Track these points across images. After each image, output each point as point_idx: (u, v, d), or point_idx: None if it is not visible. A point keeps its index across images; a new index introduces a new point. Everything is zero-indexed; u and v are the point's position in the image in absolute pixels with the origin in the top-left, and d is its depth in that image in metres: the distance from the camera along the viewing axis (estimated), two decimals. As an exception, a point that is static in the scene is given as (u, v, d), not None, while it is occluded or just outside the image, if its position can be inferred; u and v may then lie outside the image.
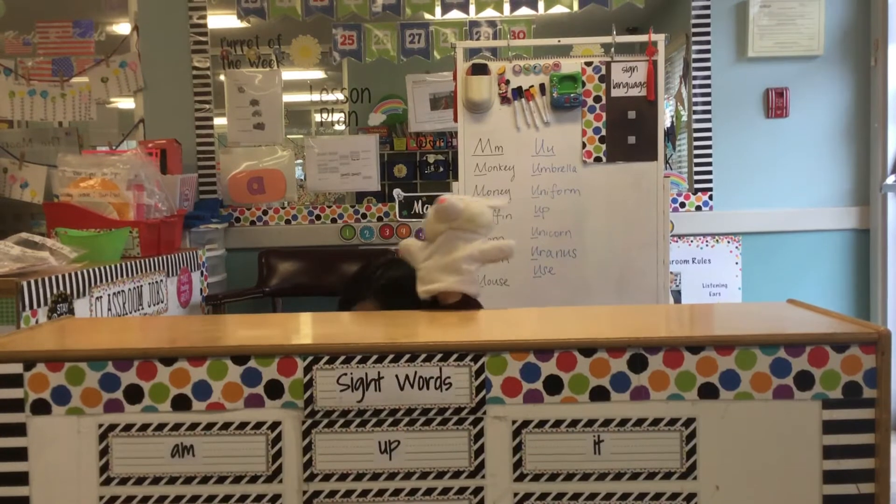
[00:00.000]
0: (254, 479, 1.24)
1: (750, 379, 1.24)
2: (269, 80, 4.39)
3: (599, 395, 1.24)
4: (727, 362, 1.24)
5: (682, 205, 4.24)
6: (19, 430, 1.24)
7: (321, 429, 1.24)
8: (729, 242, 4.22)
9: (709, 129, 4.23)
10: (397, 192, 4.23)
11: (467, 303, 1.64)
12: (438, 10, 4.26)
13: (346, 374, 1.23)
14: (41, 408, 1.24)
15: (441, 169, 5.12)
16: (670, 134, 4.60)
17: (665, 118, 4.11)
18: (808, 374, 1.24)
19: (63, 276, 2.47)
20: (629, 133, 3.49)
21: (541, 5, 4.23)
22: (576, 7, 4.22)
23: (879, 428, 1.23)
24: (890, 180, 4.06)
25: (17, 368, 1.24)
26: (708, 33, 4.21)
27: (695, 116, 4.24)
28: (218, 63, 4.39)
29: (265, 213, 4.39)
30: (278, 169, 4.41)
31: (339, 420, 1.24)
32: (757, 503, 1.25)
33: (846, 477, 1.24)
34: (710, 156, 4.24)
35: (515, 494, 1.25)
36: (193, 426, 1.24)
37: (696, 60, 4.22)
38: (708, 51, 4.21)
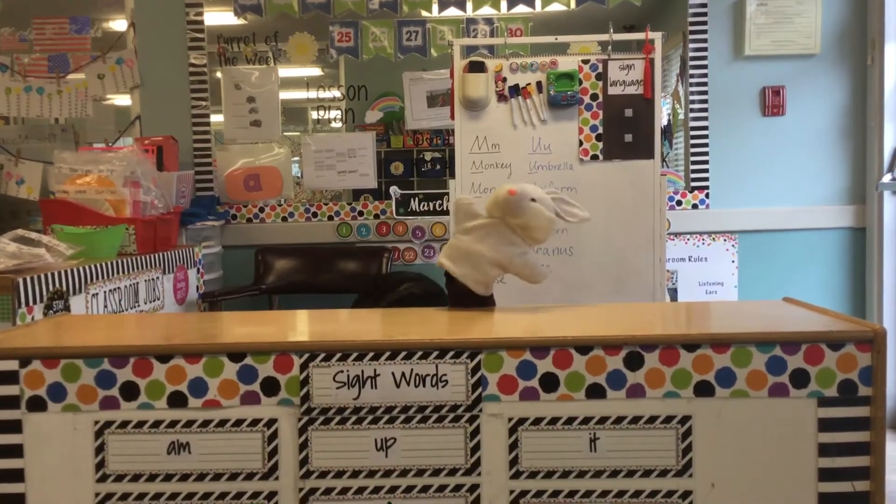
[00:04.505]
0: (250, 476, 1.24)
1: (746, 377, 1.24)
2: (266, 77, 4.38)
3: (595, 392, 1.24)
4: (723, 360, 1.24)
5: (679, 203, 4.25)
6: (15, 426, 1.24)
7: (317, 426, 1.24)
8: (725, 240, 4.22)
9: (705, 128, 4.23)
10: (394, 190, 4.22)
11: (478, 299, 1.62)
12: (435, 7, 4.26)
13: (342, 372, 1.24)
14: (37, 405, 1.24)
15: (438, 166, 5.11)
16: (667, 132, 4.61)
17: (662, 116, 4.11)
18: (804, 372, 1.24)
19: (59, 273, 2.47)
20: (626, 131, 3.49)
21: (538, 3, 4.23)
22: (573, 5, 4.22)
23: (875, 426, 1.24)
24: (886, 179, 4.07)
25: (12, 365, 1.23)
26: (705, 31, 4.21)
27: (691, 115, 4.24)
28: (214, 60, 4.38)
29: (262, 210, 4.39)
30: (275, 166, 4.40)
31: (336, 417, 1.24)
32: (752, 501, 1.25)
33: (841, 475, 1.25)
34: (706, 154, 4.24)
35: (511, 492, 1.25)
36: (189, 423, 1.24)
37: (692, 59, 4.22)
38: (705, 49, 4.21)
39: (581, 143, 3.51)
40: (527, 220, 1.58)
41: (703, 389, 1.24)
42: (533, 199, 1.58)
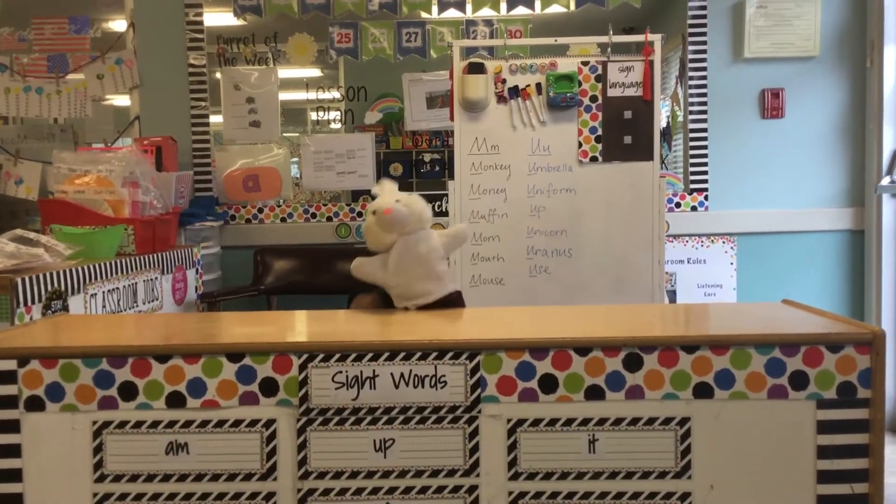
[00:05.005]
0: (248, 477, 1.24)
1: (745, 378, 1.24)
2: (266, 78, 4.38)
3: (594, 394, 1.24)
4: (722, 362, 1.24)
5: (678, 205, 4.25)
6: (13, 426, 1.24)
7: (316, 427, 1.24)
8: (724, 243, 4.22)
9: (704, 130, 4.24)
10: (393, 191, 4.21)
11: (452, 299, 1.64)
12: (435, 8, 4.26)
13: (341, 372, 1.23)
14: (35, 404, 1.23)
15: (437, 168, 5.11)
16: (666, 134, 4.61)
17: (661, 118, 4.11)
18: (803, 374, 1.24)
19: (58, 273, 2.47)
20: (625, 133, 3.49)
21: (537, 4, 4.23)
22: (572, 7, 4.22)
23: (874, 428, 1.24)
24: (884, 182, 4.07)
25: (11, 365, 1.23)
26: (704, 34, 4.21)
27: (691, 117, 4.24)
28: (214, 60, 4.38)
29: (261, 210, 4.39)
30: (274, 167, 4.40)
31: (334, 418, 1.24)
32: (751, 503, 1.25)
33: (840, 477, 1.24)
34: (705, 156, 4.24)
35: (510, 493, 1.25)
36: (188, 424, 1.23)
37: (692, 61, 4.22)
38: (704, 51, 4.21)
39: (580, 145, 3.51)
40: (413, 216, 1.64)
41: (703, 391, 1.24)
42: (398, 200, 1.65)
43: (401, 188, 4.21)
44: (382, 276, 1.65)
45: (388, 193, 1.70)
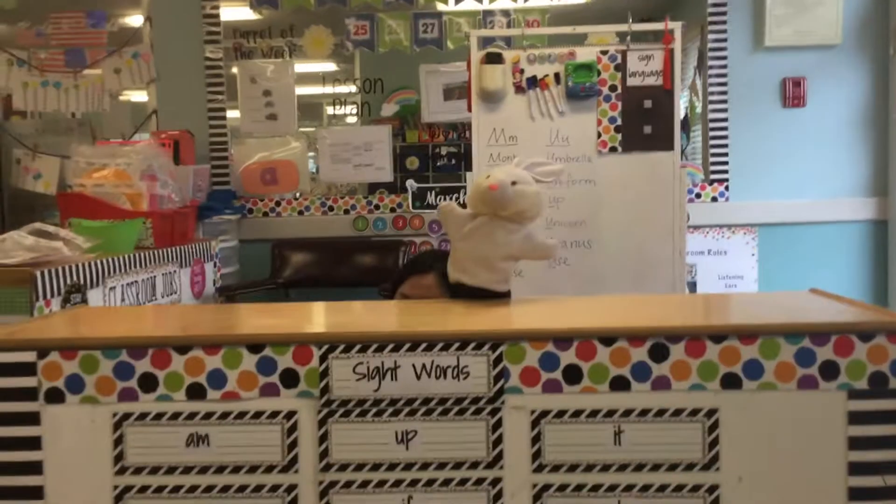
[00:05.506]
0: (269, 469, 1.23)
1: (774, 369, 1.21)
2: (282, 71, 4.38)
3: (620, 384, 1.22)
4: (750, 352, 1.21)
5: (698, 195, 4.21)
6: (33, 418, 1.23)
7: (337, 418, 1.22)
8: (745, 234, 4.18)
9: (725, 120, 4.19)
10: (410, 183, 4.21)
11: (498, 296, 1.58)
12: (452, -1, 4.24)
13: (362, 363, 1.22)
14: (55, 396, 1.23)
15: (453, 161, 5.09)
16: (684, 125, 4.57)
17: (680, 109, 4.07)
18: (834, 364, 1.21)
19: (76, 267, 2.47)
20: (645, 122, 3.45)
21: (554, -6, 4.21)
22: (590, -4, 4.19)
23: (906, 419, 1.21)
24: (909, 171, 4.01)
25: (30, 356, 1.22)
26: (724, 22, 4.17)
27: (711, 106, 4.20)
28: (230, 54, 4.38)
29: (278, 204, 4.38)
30: (291, 160, 4.40)
31: (356, 410, 1.22)
32: (780, 495, 1.22)
33: (872, 469, 1.22)
34: (726, 146, 4.20)
35: (534, 485, 1.23)
36: (208, 415, 1.22)
37: (712, 50, 4.18)
38: (724, 40, 4.17)
39: (599, 135, 3.48)
40: (517, 206, 1.51)
41: (730, 382, 1.21)
42: (514, 183, 1.52)
43: (417, 181, 4.22)
44: (455, 232, 1.56)
45: (509, 170, 1.53)
